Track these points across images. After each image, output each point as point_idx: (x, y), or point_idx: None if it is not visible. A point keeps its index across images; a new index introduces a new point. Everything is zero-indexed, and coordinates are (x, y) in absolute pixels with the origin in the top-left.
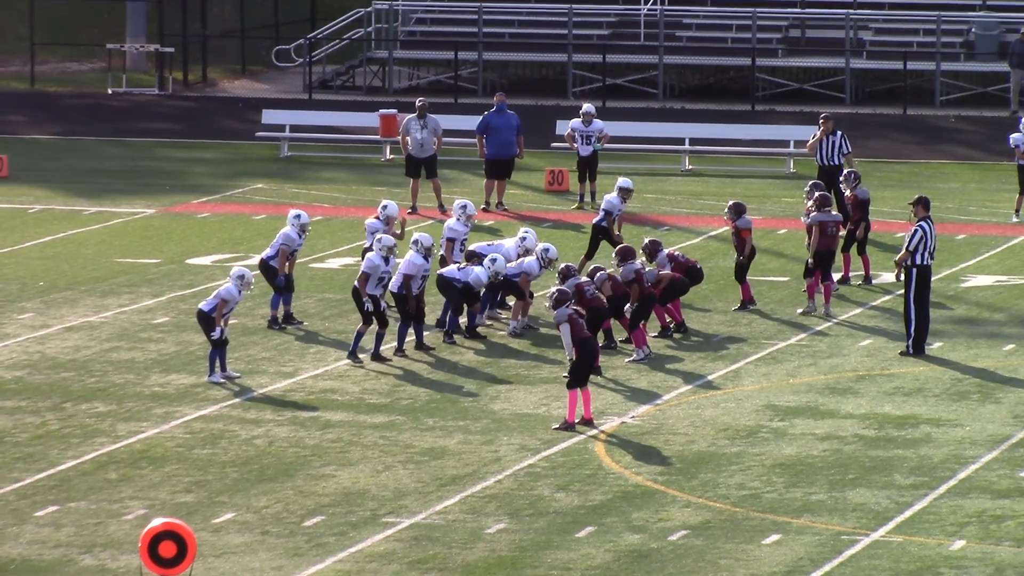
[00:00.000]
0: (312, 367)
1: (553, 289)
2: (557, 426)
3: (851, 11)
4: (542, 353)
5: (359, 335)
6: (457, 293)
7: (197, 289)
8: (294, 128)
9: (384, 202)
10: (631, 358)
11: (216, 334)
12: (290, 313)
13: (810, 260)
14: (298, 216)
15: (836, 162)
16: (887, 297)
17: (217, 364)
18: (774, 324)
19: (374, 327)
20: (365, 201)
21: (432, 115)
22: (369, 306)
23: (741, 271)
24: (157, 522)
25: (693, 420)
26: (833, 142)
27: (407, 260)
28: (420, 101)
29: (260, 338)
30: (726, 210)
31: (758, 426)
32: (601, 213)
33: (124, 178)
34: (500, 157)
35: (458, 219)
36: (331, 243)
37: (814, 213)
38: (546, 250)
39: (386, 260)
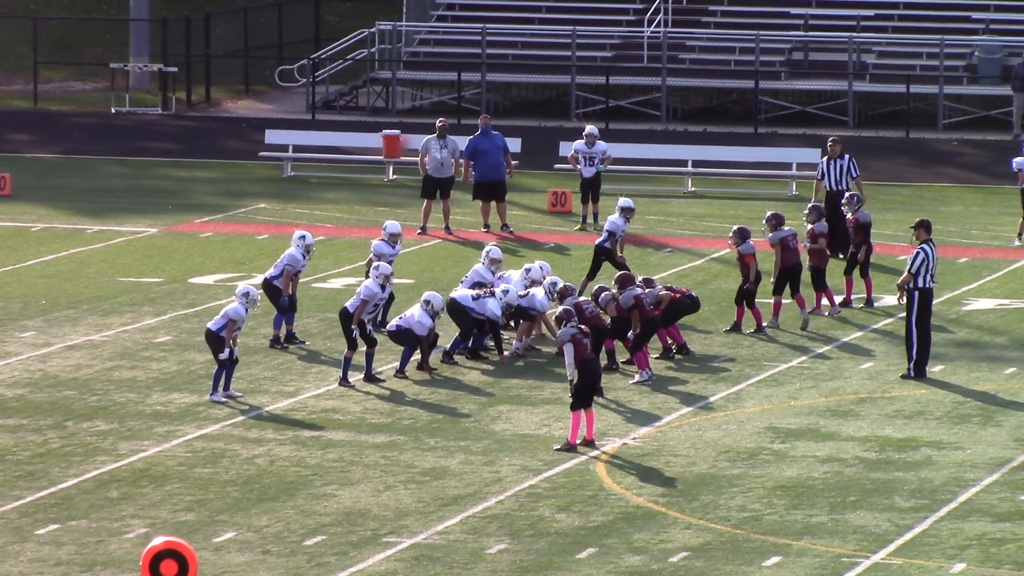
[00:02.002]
0: (314, 386)
1: (556, 309)
2: (559, 447)
3: (854, 34)
4: (544, 373)
5: (347, 361)
6: (470, 320)
7: (199, 308)
8: (297, 148)
9: (386, 223)
10: (634, 380)
11: (225, 354)
12: (292, 333)
13: (773, 279)
14: (303, 237)
15: (845, 186)
16: (889, 320)
17: (221, 383)
18: (775, 346)
19: (362, 349)
20: (368, 221)
21: (451, 136)
22: (356, 332)
23: (748, 297)
24: (158, 541)
25: (694, 442)
26: (841, 166)
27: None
28: (440, 121)
29: (262, 357)
30: (730, 234)
31: (759, 448)
32: (604, 234)
33: (127, 197)
34: (490, 179)
35: (483, 264)
36: (333, 263)
37: (771, 234)
38: (554, 284)
39: (383, 288)
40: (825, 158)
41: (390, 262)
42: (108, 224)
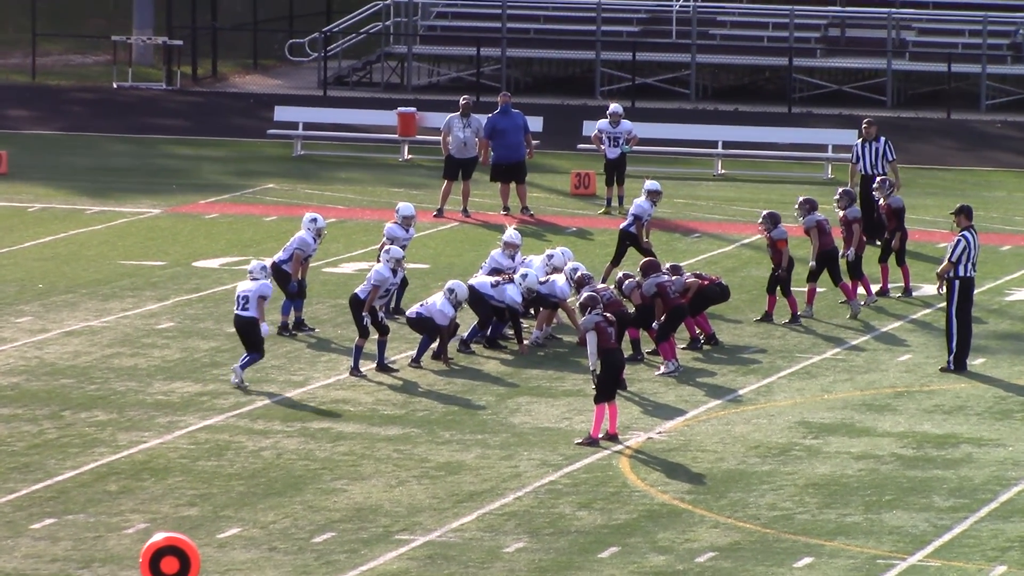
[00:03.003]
0: (323, 376)
1: (580, 294)
2: (580, 441)
3: (893, 10)
4: (565, 364)
5: (359, 350)
6: (489, 308)
7: (204, 293)
8: (308, 126)
9: (399, 205)
10: (660, 371)
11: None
12: (301, 319)
13: (812, 263)
14: (314, 220)
15: (880, 170)
16: (927, 310)
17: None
18: (808, 337)
19: (374, 338)
20: (381, 203)
21: (475, 115)
22: (367, 319)
23: (783, 284)
24: (159, 537)
25: (723, 437)
26: (876, 148)
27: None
28: (464, 99)
29: (270, 345)
30: (761, 220)
31: (791, 444)
32: (629, 218)
33: (129, 176)
34: (509, 160)
35: (503, 252)
36: (345, 247)
37: (804, 219)
38: (575, 270)
39: (394, 272)
40: (860, 140)
41: (403, 246)
42: (109, 205)
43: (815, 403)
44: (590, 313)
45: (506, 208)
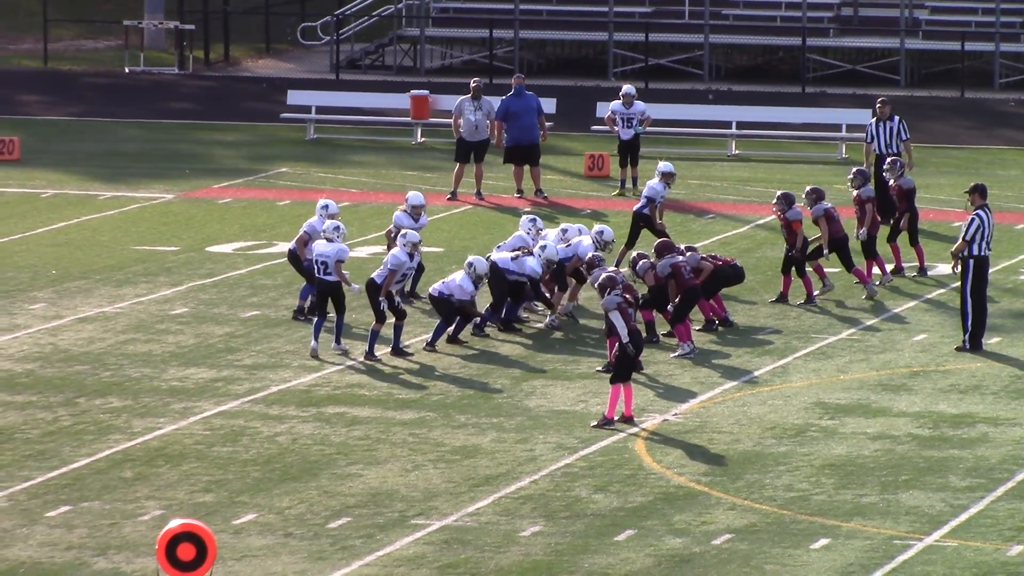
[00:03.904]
0: (338, 361)
1: (598, 273)
2: (596, 423)
3: None
4: (580, 347)
5: (375, 334)
6: (505, 287)
7: (218, 278)
8: (320, 110)
9: (408, 193)
10: (676, 353)
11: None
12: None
13: (826, 252)
14: (326, 207)
15: (895, 149)
16: (942, 290)
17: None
18: (824, 317)
19: (390, 322)
20: (395, 186)
21: (487, 97)
22: (384, 303)
23: (798, 265)
24: (175, 523)
25: (738, 418)
26: (891, 128)
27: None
28: (475, 81)
29: (284, 330)
30: (775, 200)
31: (807, 425)
32: (643, 200)
33: (141, 161)
34: (523, 143)
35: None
36: (359, 230)
37: (812, 208)
38: (600, 232)
39: (411, 256)
40: (874, 119)
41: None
42: (122, 190)
43: (831, 384)
44: (610, 294)
45: (520, 191)
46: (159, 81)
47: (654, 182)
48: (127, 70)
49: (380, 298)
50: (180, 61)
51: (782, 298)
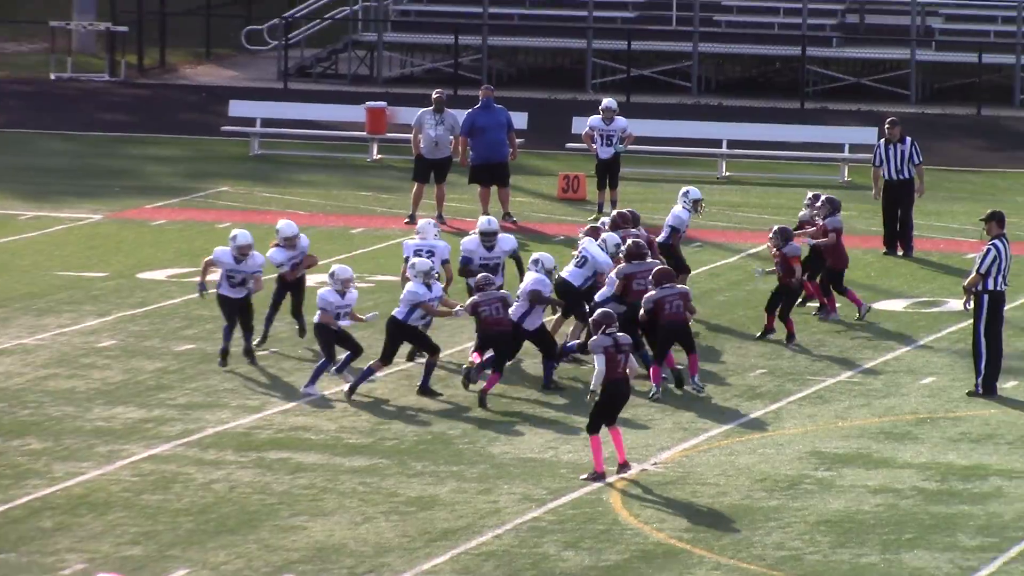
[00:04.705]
0: (282, 400)
1: (596, 312)
2: (585, 476)
3: None
4: (551, 388)
5: (370, 372)
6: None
7: (149, 308)
8: (266, 122)
9: (279, 223)
10: (651, 394)
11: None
12: (250, 349)
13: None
14: (233, 237)
15: (907, 174)
16: (953, 328)
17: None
18: (821, 358)
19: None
20: (347, 208)
21: (451, 110)
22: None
23: (786, 305)
24: None
25: (725, 468)
26: (902, 151)
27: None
28: (437, 93)
29: (220, 368)
30: (771, 234)
31: (801, 476)
32: (666, 230)
33: (67, 178)
34: (490, 161)
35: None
36: None
37: (831, 218)
38: (617, 244)
39: (428, 287)
40: (883, 140)
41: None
42: (45, 209)
43: (828, 431)
44: (602, 334)
45: (486, 214)
46: (88, 89)
47: (679, 209)
48: (53, 76)
49: (402, 339)
50: (111, 67)
51: (790, 337)
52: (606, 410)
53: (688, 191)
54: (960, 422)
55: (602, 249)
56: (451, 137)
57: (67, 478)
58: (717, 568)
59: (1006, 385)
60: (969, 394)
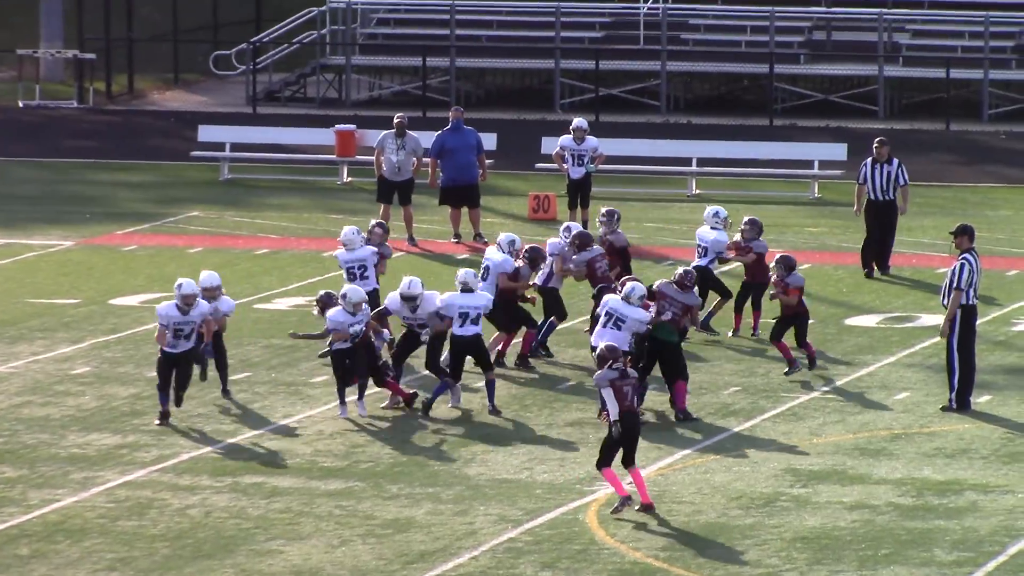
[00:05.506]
0: (257, 425)
1: (601, 345)
2: (615, 507)
3: (885, 10)
4: (525, 408)
5: (447, 387)
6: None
7: (122, 334)
8: (235, 147)
9: (203, 275)
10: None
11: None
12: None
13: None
14: (179, 286)
15: (891, 196)
16: (926, 343)
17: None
18: (795, 376)
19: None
20: (318, 231)
21: (412, 133)
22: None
23: (800, 331)
24: None
25: (701, 487)
26: (888, 172)
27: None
28: (399, 117)
29: (195, 391)
30: (773, 263)
31: (776, 494)
32: (710, 255)
33: (37, 205)
34: (460, 182)
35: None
36: (279, 280)
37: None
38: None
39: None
40: (869, 160)
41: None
42: (15, 236)
43: (803, 448)
44: (608, 368)
45: (457, 235)
46: (56, 116)
47: (715, 234)
48: (21, 104)
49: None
50: (80, 94)
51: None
52: (617, 445)
53: (717, 211)
54: (935, 437)
55: (500, 251)
56: (413, 160)
57: (43, 505)
58: None
59: (980, 400)
60: (943, 409)
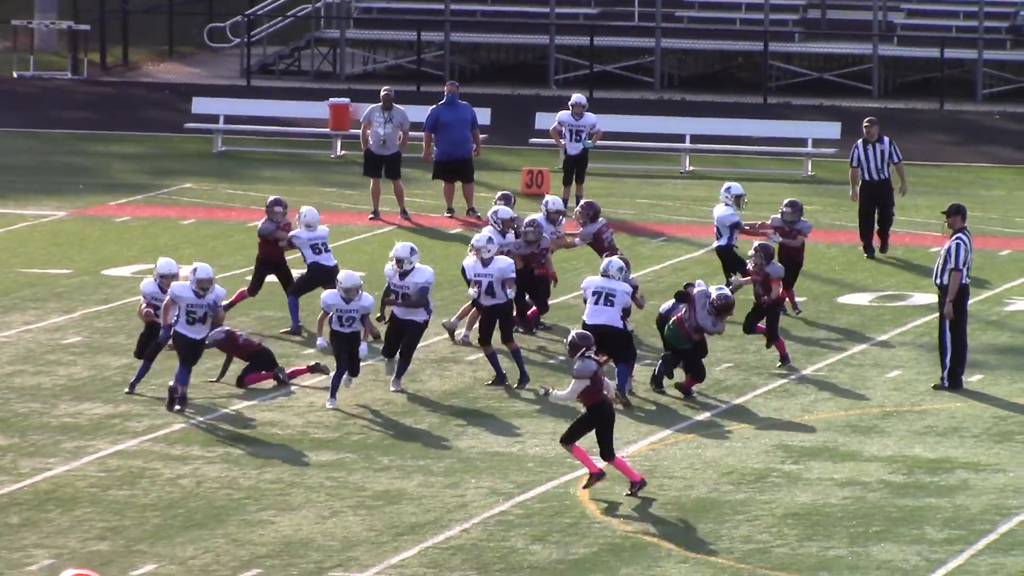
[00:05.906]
0: (248, 396)
1: (572, 333)
2: (585, 485)
3: None
4: (516, 380)
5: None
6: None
7: (114, 305)
8: (229, 119)
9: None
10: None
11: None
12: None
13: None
14: (195, 270)
15: (886, 174)
16: (918, 322)
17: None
18: (787, 351)
19: None
20: (312, 204)
21: (399, 107)
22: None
23: (770, 322)
24: (67, 574)
25: (692, 462)
26: (881, 151)
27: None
28: (385, 90)
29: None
30: (751, 251)
31: (767, 469)
32: (727, 233)
33: (30, 175)
34: (454, 157)
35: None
36: None
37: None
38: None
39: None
40: (860, 141)
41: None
42: (8, 207)
43: (794, 424)
44: (584, 358)
45: (450, 210)
46: (50, 87)
47: (727, 211)
48: (15, 75)
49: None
50: (74, 65)
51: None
52: (588, 429)
53: (730, 187)
54: (926, 415)
55: (496, 228)
56: (400, 133)
57: (34, 474)
58: (685, 561)
59: (971, 379)
60: (935, 387)
